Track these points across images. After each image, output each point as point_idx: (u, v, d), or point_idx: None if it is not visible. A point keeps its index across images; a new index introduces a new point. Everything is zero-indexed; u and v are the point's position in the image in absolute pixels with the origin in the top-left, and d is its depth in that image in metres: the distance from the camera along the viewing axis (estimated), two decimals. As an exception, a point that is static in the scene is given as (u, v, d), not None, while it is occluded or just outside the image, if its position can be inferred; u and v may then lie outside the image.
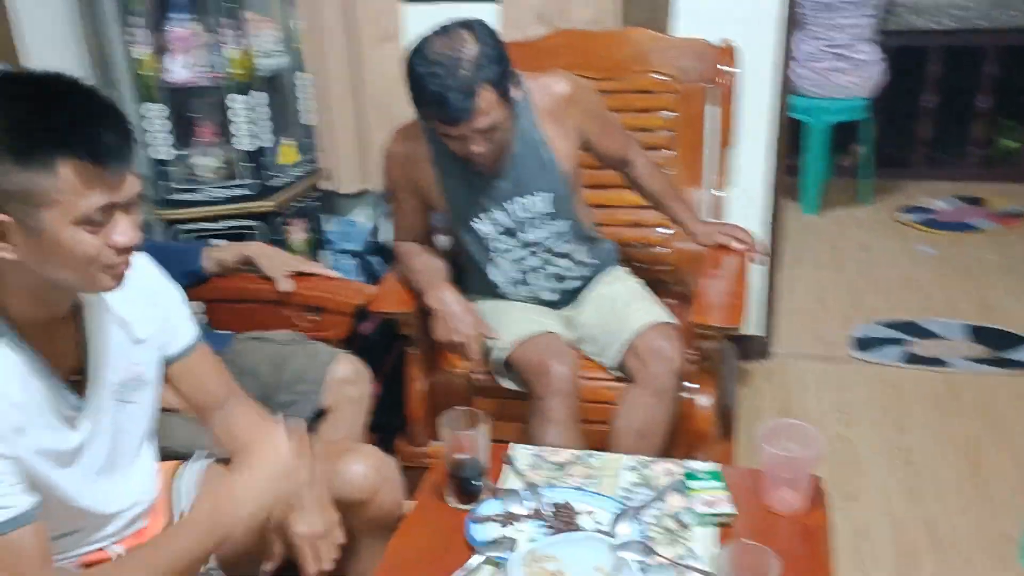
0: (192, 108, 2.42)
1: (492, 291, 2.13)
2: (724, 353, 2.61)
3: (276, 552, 1.32)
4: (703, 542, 1.41)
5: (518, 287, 2.12)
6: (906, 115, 4.58)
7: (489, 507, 1.49)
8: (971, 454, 2.45)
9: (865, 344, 3.07)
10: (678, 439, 2.11)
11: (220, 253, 2.13)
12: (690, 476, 1.53)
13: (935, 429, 2.57)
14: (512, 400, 2.08)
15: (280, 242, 2.50)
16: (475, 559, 1.37)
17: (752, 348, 2.93)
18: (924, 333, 3.14)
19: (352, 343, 2.32)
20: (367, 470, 1.46)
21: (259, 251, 2.15)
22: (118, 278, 1.18)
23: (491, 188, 1.99)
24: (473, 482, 1.51)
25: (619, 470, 1.60)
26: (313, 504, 1.33)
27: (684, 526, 1.45)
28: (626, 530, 1.42)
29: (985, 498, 2.28)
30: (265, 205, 2.41)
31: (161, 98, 2.32)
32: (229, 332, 2.12)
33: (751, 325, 2.89)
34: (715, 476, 1.52)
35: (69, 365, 1.26)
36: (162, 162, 2.36)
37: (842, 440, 2.55)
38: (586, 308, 2.16)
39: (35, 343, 1.18)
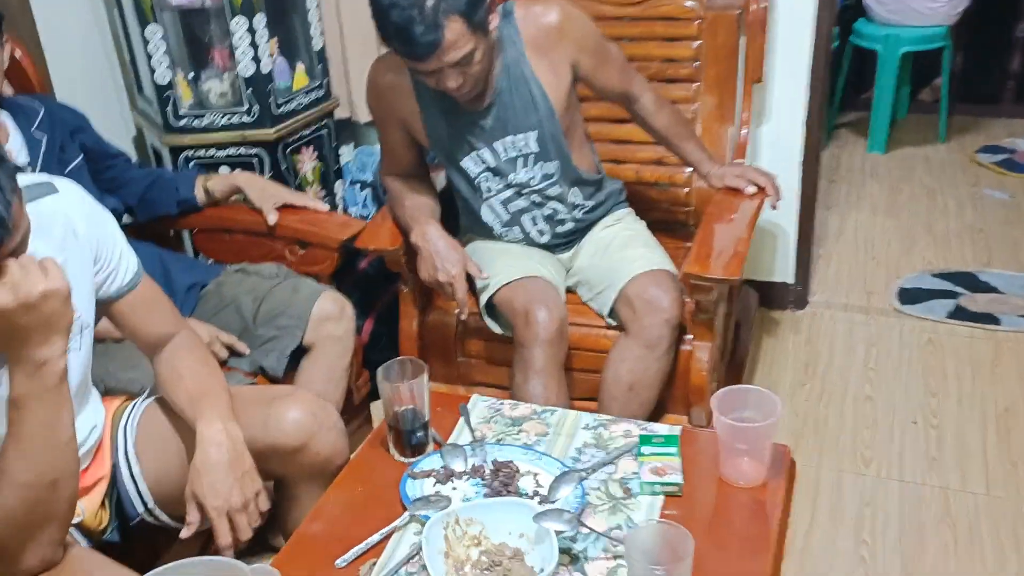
0: (198, 31, 2.36)
1: (486, 232, 2.04)
2: (742, 301, 2.48)
3: (190, 520, 1.30)
4: (647, 512, 1.32)
5: (511, 229, 2.02)
6: (994, 46, 4.21)
7: (429, 462, 1.43)
8: (1002, 424, 2.27)
9: (911, 296, 2.87)
10: (674, 393, 2.01)
11: (211, 182, 2.10)
12: (644, 440, 1.44)
13: (968, 393, 2.39)
14: (504, 344, 2.01)
15: (288, 172, 2.45)
16: (403, 517, 1.32)
17: (782, 296, 2.77)
18: (980, 286, 2.91)
19: (347, 278, 2.28)
20: (301, 416, 1.42)
21: (248, 181, 2.10)
22: None
23: (475, 126, 1.88)
24: (416, 435, 1.45)
25: (576, 429, 1.51)
26: (227, 472, 1.30)
27: (630, 494, 1.36)
28: (565, 494, 1.34)
29: (1009, 473, 2.11)
30: (269, 133, 2.36)
31: (162, 20, 2.26)
32: (217, 264, 2.09)
33: (779, 272, 2.72)
34: (671, 441, 1.43)
35: None
36: (165, 87, 2.31)
37: (866, 400, 2.40)
38: (583, 251, 2.06)
39: None
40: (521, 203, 1.98)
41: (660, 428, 1.50)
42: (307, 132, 2.50)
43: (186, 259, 2.04)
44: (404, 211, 2.00)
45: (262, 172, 2.39)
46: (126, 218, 2.10)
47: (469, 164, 1.93)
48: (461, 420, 1.54)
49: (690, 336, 1.96)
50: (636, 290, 1.90)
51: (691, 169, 2.22)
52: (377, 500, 1.38)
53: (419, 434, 1.45)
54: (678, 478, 1.36)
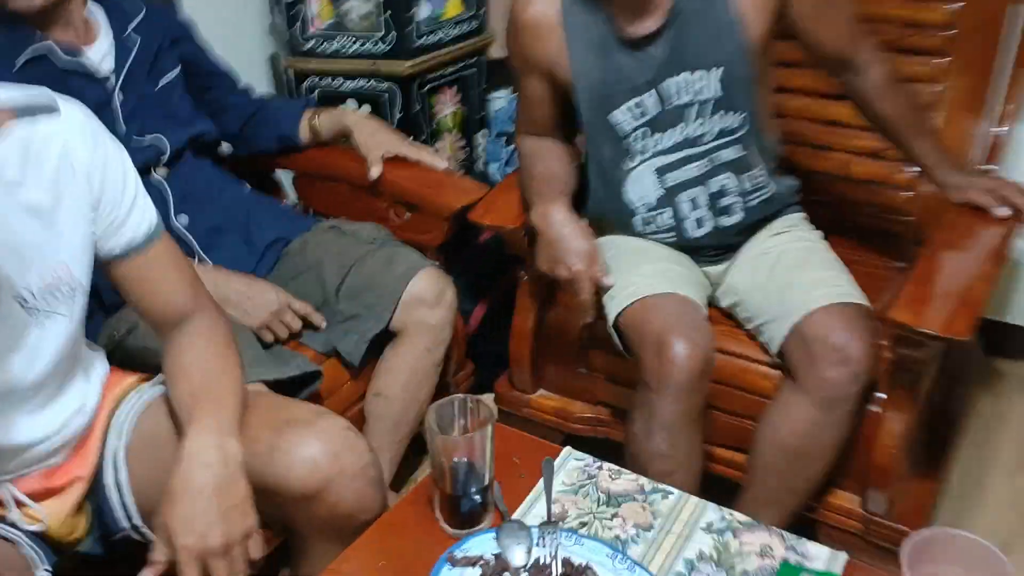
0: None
1: (623, 219, 1.59)
2: (957, 354, 1.91)
3: (154, 559, 0.97)
4: None
5: (660, 213, 1.55)
6: None
7: (480, 543, 1.04)
8: None
9: None
10: (848, 466, 1.53)
11: (319, 119, 1.77)
12: (787, 570, 0.99)
13: None
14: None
15: (423, 115, 2.09)
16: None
17: (1018, 344, 2.16)
18: None
19: (462, 253, 1.91)
20: (318, 455, 1.05)
21: (359, 122, 1.76)
22: None
23: (639, 62, 1.43)
24: (470, 501, 1.06)
25: (694, 528, 1.08)
26: (210, 503, 0.96)
27: (751, 655, 0.93)
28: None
29: None
30: (403, 66, 2.00)
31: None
32: (313, 217, 1.77)
33: (1017, 310, 2.12)
34: (827, 585, 0.97)
35: None
36: (295, 3, 2.00)
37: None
38: (741, 264, 1.58)
39: None
40: (683, 173, 1.51)
41: (815, 552, 1.04)
42: (451, 70, 2.13)
43: (276, 208, 1.74)
44: (532, 182, 1.60)
45: (390, 112, 2.05)
46: (226, 147, 1.82)
47: (623, 117, 1.48)
48: (540, 483, 1.14)
49: (882, 395, 1.46)
50: (816, 329, 1.41)
51: (918, 169, 1.68)
52: (402, 582, 1.01)
53: (474, 499, 1.07)
54: (830, 653, 0.91)
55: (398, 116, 2.05)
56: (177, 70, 1.63)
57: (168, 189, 1.55)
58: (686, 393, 1.39)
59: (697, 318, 1.45)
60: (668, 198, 1.54)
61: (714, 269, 1.60)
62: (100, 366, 1.20)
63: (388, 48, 1.99)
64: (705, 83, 1.44)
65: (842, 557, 1.03)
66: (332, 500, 1.06)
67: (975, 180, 1.54)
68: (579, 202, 1.62)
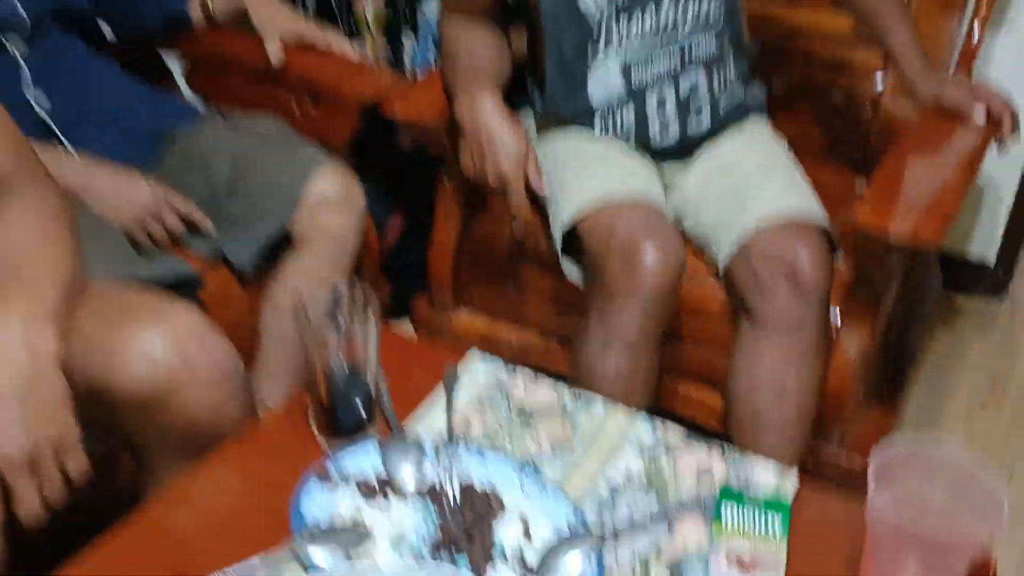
0: None
1: (581, 118, 1.39)
2: (920, 278, 1.76)
3: None
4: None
5: (621, 111, 1.36)
6: None
7: (359, 458, 0.85)
8: None
9: None
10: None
11: (213, -5, 1.54)
12: (727, 495, 0.82)
13: None
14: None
15: (342, 9, 1.87)
16: (277, 551, 0.76)
17: (975, 279, 2.03)
18: None
19: (379, 158, 1.70)
20: (163, 354, 0.85)
21: (257, 1, 1.54)
22: None
23: None
24: (350, 409, 0.88)
25: (622, 443, 0.91)
26: (11, 410, 0.76)
27: (683, 592, 0.76)
28: (568, 572, 0.75)
29: None
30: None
31: None
32: (197, 108, 1.55)
33: (976, 245, 1.99)
34: (775, 509, 0.80)
35: None
36: None
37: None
38: (696, 169, 1.40)
39: None
40: (653, 67, 1.32)
41: (761, 474, 0.87)
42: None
43: (159, 96, 1.51)
44: (457, 68, 1.39)
45: (304, 6, 1.82)
46: (108, 32, 1.58)
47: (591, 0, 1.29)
48: (439, 392, 0.95)
49: (836, 319, 1.31)
50: (765, 247, 1.24)
51: (881, 82, 1.52)
52: (260, 506, 0.82)
53: (356, 408, 0.88)
54: (775, 588, 0.74)
55: (311, 11, 1.83)
56: None
57: (23, 64, 1.32)
58: (653, 306, 1.22)
59: (667, 226, 1.28)
60: (635, 96, 1.35)
61: (669, 166, 1.41)
62: None
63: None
64: None
65: (791, 477, 0.86)
66: (177, 410, 0.86)
67: (952, 84, 1.38)
68: (509, 100, 1.43)
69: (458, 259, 1.57)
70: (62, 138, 1.34)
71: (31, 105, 1.31)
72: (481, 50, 1.41)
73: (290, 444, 0.89)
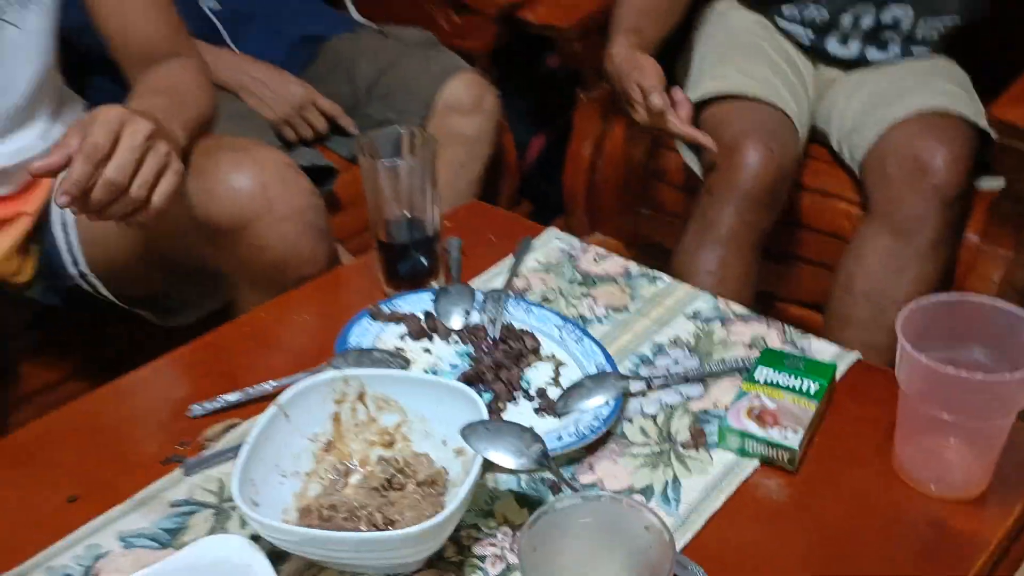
0: None
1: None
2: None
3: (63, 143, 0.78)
4: (704, 488, 0.70)
5: (813, 8, 1.32)
6: None
7: (413, 301, 0.89)
8: None
9: None
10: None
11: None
12: (767, 359, 0.78)
13: None
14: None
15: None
16: (315, 370, 0.81)
17: None
18: None
19: (527, 74, 1.73)
20: (247, 185, 0.90)
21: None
22: None
23: None
24: (412, 256, 0.91)
25: (676, 315, 0.88)
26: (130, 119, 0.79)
27: (703, 442, 0.73)
28: (590, 404, 0.75)
29: None
30: None
31: None
32: (352, 17, 1.63)
33: None
34: (817, 373, 0.75)
35: None
36: None
37: None
38: (851, 79, 1.32)
39: None
40: None
41: (820, 349, 0.82)
42: None
43: (315, 3, 1.61)
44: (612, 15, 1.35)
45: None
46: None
47: None
48: (510, 259, 0.97)
49: (974, 236, 1.19)
50: (897, 141, 1.15)
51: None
52: (317, 338, 0.88)
53: (416, 256, 0.91)
54: (794, 439, 0.70)
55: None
56: None
57: (197, -33, 1.46)
58: (750, 205, 1.18)
59: (785, 130, 1.23)
60: (830, 9, 1.30)
61: (827, 71, 1.35)
62: (73, 112, 1.11)
63: None
64: None
65: (849, 357, 0.81)
66: (257, 241, 0.93)
67: None
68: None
69: (593, 180, 1.57)
70: (224, 35, 1.47)
71: (198, 3, 1.45)
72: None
73: (360, 290, 0.94)
